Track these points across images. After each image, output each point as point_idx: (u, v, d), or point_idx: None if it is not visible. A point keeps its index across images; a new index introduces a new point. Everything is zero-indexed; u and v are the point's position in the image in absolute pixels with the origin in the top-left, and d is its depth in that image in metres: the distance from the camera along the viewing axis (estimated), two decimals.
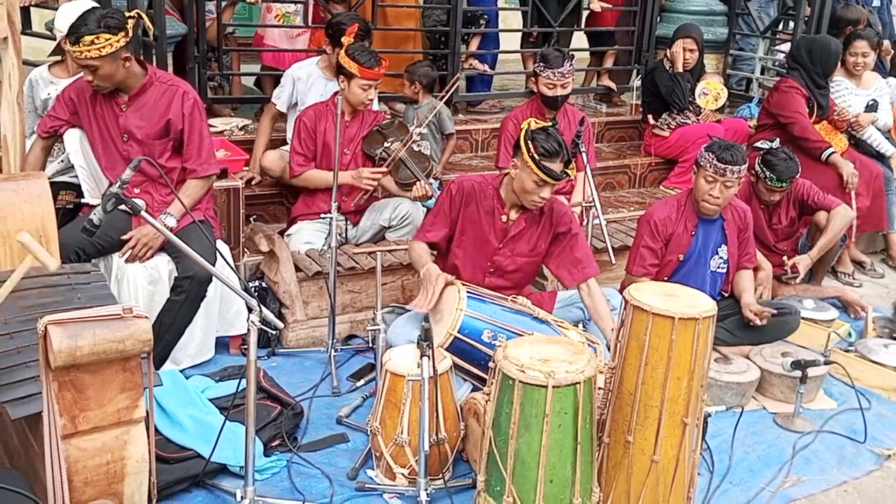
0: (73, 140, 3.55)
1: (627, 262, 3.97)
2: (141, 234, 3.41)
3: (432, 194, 4.11)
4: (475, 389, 3.23)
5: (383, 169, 4.10)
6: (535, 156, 3.22)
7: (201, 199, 3.61)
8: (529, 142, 3.24)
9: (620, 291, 3.79)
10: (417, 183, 4.10)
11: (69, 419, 2.13)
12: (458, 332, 3.14)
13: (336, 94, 4.13)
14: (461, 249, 3.53)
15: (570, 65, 4.45)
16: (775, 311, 3.87)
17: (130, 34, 3.30)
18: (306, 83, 4.53)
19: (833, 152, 5.04)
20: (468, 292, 3.25)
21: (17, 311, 2.44)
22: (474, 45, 6.28)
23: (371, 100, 4.16)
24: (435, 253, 3.66)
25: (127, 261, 3.42)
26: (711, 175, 3.69)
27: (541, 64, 4.47)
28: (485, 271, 3.55)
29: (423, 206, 4.31)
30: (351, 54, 4.00)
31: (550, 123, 3.37)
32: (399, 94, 5.45)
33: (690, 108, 5.64)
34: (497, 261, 3.53)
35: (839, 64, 5.39)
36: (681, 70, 5.56)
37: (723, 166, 3.65)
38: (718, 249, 3.93)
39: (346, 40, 4.03)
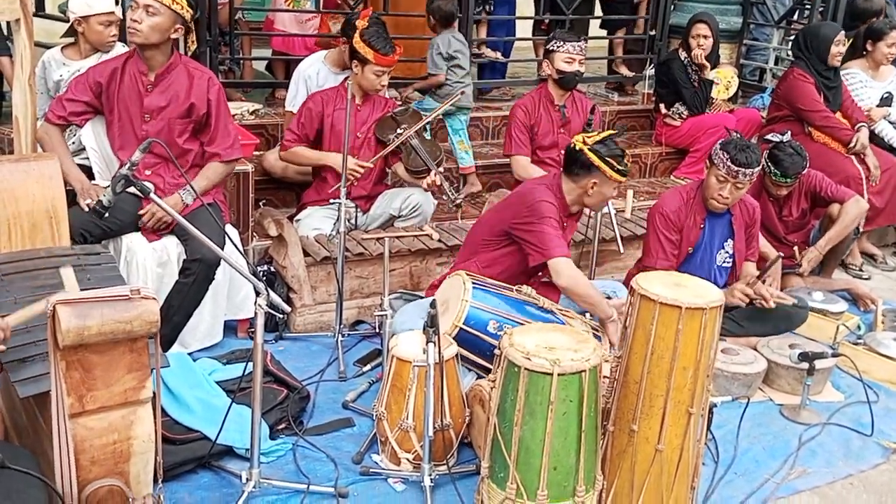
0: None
1: (645, 257, 3.86)
2: (156, 208, 3.42)
3: (441, 185, 4.11)
4: (479, 380, 3.23)
5: (368, 164, 4.07)
6: (616, 165, 3.33)
7: (220, 182, 3.63)
8: (607, 158, 3.33)
9: (625, 283, 3.80)
10: (429, 173, 4.10)
11: (76, 398, 2.15)
12: (464, 323, 3.15)
13: (346, 79, 4.12)
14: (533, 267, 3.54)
15: (584, 45, 4.53)
16: (773, 307, 3.81)
17: (190, 19, 3.47)
18: (316, 81, 4.52)
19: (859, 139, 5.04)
20: (473, 283, 3.25)
21: (27, 291, 2.46)
22: (482, 32, 6.25)
23: (384, 86, 4.15)
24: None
25: (145, 234, 3.46)
26: (723, 175, 3.65)
27: (558, 41, 4.48)
28: (536, 273, 3.56)
29: (435, 197, 4.31)
30: (367, 40, 3.98)
31: (611, 132, 3.50)
32: (411, 78, 5.44)
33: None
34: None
35: (862, 55, 5.36)
36: (702, 62, 5.53)
37: (736, 168, 3.61)
38: (724, 244, 3.90)
39: (360, 24, 4.02)
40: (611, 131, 3.49)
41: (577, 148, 3.35)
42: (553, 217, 3.36)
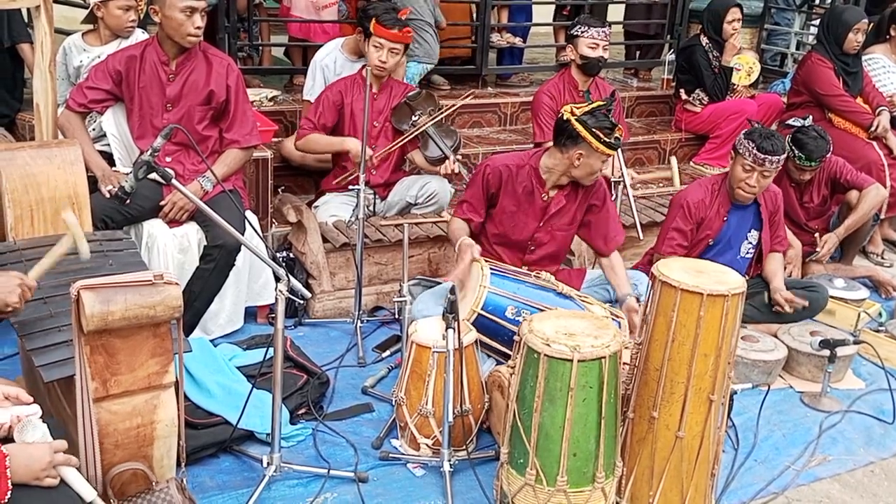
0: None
1: (657, 241, 3.92)
2: (177, 198, 3.44)
3: (459, 172, 4.09)
4: (498, 365, 3.23)
5: (374, 160, 4.05)
6: (603, 137, 3.24)
7: (239, 169, 3.64)
8: (594, 129, 3.23)
9: (636, 267, 3.80)
10: (446, 161, 4.08)
11: (101, 383, 2.17)
12: (482, 308, 3.15)
13: (364, 67, 4.11)
14: (500, 232, 3.52)
15: (608, 30, 4.50)
16: (806, 304, 3.82)
17: None
18: (334, 69, 4.50)
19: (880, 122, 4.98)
20: (491, 269, 3.25)
21: (51, 277, 2.47)
22: (503, 17, 6.21)
23: (383, 62, 4.02)
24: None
25: (168, 223, 3.48)
26: (750, 164, 3.63)
27: (582, 26, 4.45)
28: (525, 250, 3.54)
29: (453, 185, 4.29)
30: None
31: (600, 102, 3.40)
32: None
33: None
34: (538, 238, 3.53)
35: (885, 39, 5.29)
36: (729, 57, 5.48)
37: (762, 156, 3.59)
38: (748, 234, 3.88)
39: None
40: (600, 102, 3.41)
41: (565, 118, 3.30)
42: (472, 186, 3.50)
